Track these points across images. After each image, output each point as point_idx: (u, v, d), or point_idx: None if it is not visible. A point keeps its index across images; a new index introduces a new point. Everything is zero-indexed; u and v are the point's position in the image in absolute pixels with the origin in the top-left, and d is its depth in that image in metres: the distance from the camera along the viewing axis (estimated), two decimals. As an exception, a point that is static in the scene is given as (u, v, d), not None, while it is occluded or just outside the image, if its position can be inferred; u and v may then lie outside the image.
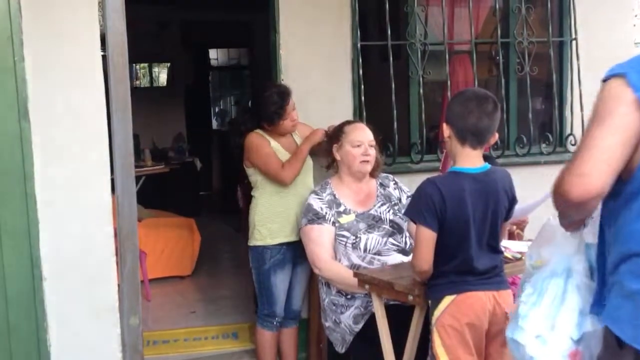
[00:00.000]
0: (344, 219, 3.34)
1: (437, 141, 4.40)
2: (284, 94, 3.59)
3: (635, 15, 4.89)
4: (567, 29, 4.50)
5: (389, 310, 2.91)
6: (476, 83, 4.21)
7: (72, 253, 3.18)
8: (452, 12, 4.47)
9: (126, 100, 1.79)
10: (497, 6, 4.30)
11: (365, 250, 3.28)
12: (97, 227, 3.22)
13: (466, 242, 2.53)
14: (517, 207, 2.72)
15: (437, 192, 2.51)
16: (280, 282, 3.66)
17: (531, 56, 4.34)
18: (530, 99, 4.33)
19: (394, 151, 4.07)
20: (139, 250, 2.08)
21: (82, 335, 3.23)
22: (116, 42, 1.78)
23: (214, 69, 11.19)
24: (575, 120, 4.45)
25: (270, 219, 3.62)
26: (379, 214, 3.38)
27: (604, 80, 1.73)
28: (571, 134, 4.47)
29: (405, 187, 3.53)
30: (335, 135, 3.47)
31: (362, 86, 4.03)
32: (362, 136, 3.40)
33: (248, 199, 3.85)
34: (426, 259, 2.54)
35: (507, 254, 2.95)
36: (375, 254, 3.28)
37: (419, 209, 2.55)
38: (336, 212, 3.36)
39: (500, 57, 4.31)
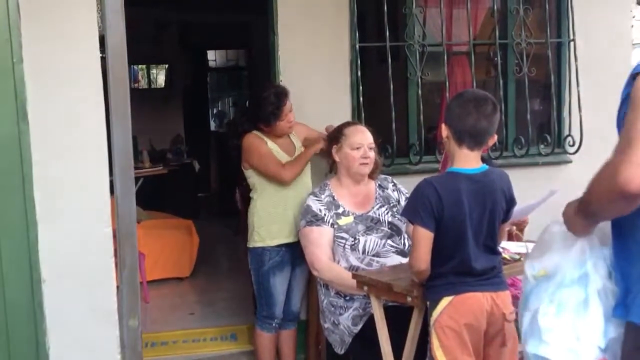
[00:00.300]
0: (343, 221, 3.34)
1: (435, 142, 4.40)
2: (281, 94, 3.59)
3: (633, 17, 4.89)
4: (565, 30, 4.50)
5: (388, 311, 2.91)
6: (474, 84, 4.22)
7: (71, 255, 3.18)
8: (450, 14, 4.47)
9: (125, 102, 1.78)
10: (495, 7, 4.30)
11: (363, 251, 3.28)
12: (96, 229, 3.21)
13: (463, 243, 2.53)
14: (517, 208, 2.72)
15: (434, 192, 2.51)
16: (279, 283, 3.66)
17: (529, 57, 4.34)
18: (529, 100, 4.34)
19: (393, 152, 4.07)
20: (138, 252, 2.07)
21: (81, 337, 3.22)
22: (115, 44, 1.77)
23: (212, 70, 11.19)
24: (574, 121, 4.45)
25: (269, 221, 3.62)
26: (377, 216, 3.38)
27: (637, 74, 1.69)
28: (569, 135, 4.47)
29: (404, 188, 3.53)
30: (335, 136, 3.47)
31: (361, 87, 4.03)
32: (362, 139, 3.40)
33: (246, 200, 3.85)
34: (423, 259, 2.54)
35: (506, 255, 2.95)
36: (374, 255, 3.28)
37: (416, 209, 2.55)
38: (335, 214, 3.36)
39: (499, 58, 4.32)
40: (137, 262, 1.87)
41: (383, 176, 3.60)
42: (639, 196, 1.61)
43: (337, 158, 3.44)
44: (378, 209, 3.42)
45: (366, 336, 3.11)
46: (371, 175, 3.49)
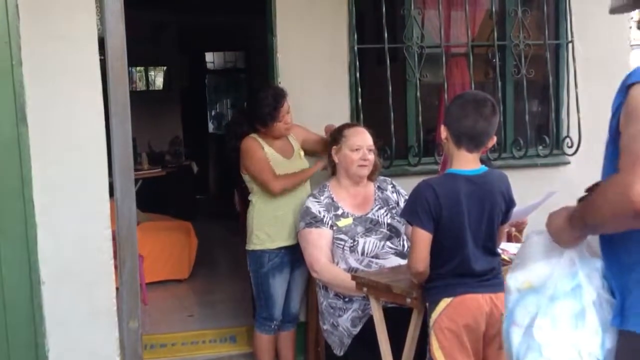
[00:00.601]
0: (342, 223, 3.34)
1: (434, 144, 4.40)
2: (279, 95, 3.58)
3: (632, 18, 4.91)
4: (564, 31, 4.51)
5: (387, 312, 2.91)
6: (473, 86, 4.22)
7: (71, 257, 3.18)
8: (448, 15, 4.47)
9: (125, 104, 1.79)
10: (494, 9, 4.31)
11: (363, 253, 3.29)
12: (96, 231, 3.21)
13: (462, 244, 2.53)
14: (516, 209, 2.72)
15: (432, 193, 2.51)
16: (278, 285, 3.65)
17: (527, 59, 4.34)
18: (527, 102, 4.34)
19: (391, 154, 4.07)
20: (137, 253, 2.07)
21: (81, 339, 3.22)
22: (115, 46, 1.78)
23: (210, 72, 11.19)
24: (572, 123, 4.45)
25: (268, 224, 3.62)
26: (376, 218, 3.39)
27: (636, 82, 1.66)
28: (568, 136, 4.48)
29: (403, 190, 3.53)
30: (335, 138, 3.48)
31: (359, 89, 4.03)
32: (361, 140, 3.40)
33: (245, 202, 3.85)
34: (422, 260, 2.54)
35: (505, 256, 2.95)
36: (373, 257, 3.28)
37: (415, 210, 2.55)
38: (334, 216, 3.36)
39: (497, 59, 4.32)
40: (137, 263, 1.87)
41: (382, 178, 3.60)
42: None
43: (336, 159, 3.45)
44: (377, 210, 3.42)
45: (365, 338, 3.11)
46: (370, 177, 3.49)
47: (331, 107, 4.01)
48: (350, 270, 3.24)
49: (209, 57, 10.90)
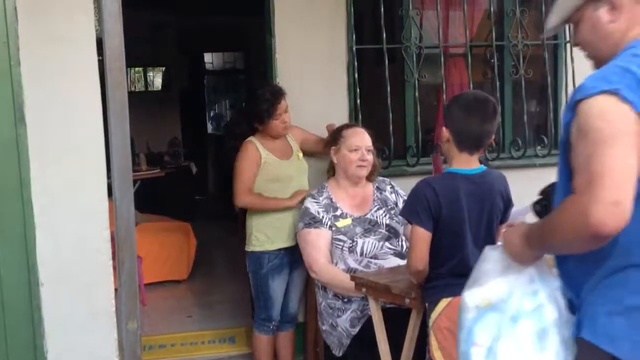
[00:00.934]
0: (341, 223, 3.34)
1: (432, 144, 4.40)
2: (277, 93, 3.59)
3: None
4: (562, 31, 4.51)
5: (386, 313, 2.91)
6: (471, 86, 4.22)
7: (69, 258, 3.18)
8: (447, 15, 4.47)
9: (123, 105, 1.79)
10: (492, 9, 4.31)
11: (361, 254, 3.28)
12: (94, 232, 3.21)
13: (462, 243, 2.53)
14: (514, 210, 2.72)
15: (432, 192, 2.51)
16: (277, 286, 3.65)
17: (526, 59, 4.35)
18: (525, 102, 4.34)
19: (390, 154, 4.08)
20: (136, 254, 2.07)
21: (80, 340, 3.22)
22: (113, 46, 1.77)
23: (209, 73, 11.18)
24: (570, 123, 4.45)
25: (267, 226, 3.62)
26: (375, 218, 3.39)
27: (584, 98, 1.62)
28: (566, 136, 4.47)
29: (401, 190, 3.54)
30: (334, 138, 3.48)
31: (358, 89, 4.03)
32: (360, 141, 3.40)
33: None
34: (422, 259, 2.53)
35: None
36: (371, 257, 3.28)
37: (414, 209, 2.54)
38: (333, 216, 3.36)
39: (495, 59, 4.32)
40: (135, 264, 1.87)
41: (381, 178, 3.60)
42: (613, 235, 1.54)
43: (335, 160, 3.45)
44: (376, 211, 3.42)
45: (364, 338, 3.11)
46: (369, 178, 3.49)
47: (330, 108, 4.01)
48: (349, 270, 3.24)
49: (207, 57, 10.90)
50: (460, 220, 2.52)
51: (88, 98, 3.15)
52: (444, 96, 4.16)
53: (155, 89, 10.36)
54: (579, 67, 4.39)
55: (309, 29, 3.98)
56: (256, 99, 3.59)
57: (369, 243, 3.30)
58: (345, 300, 3.26)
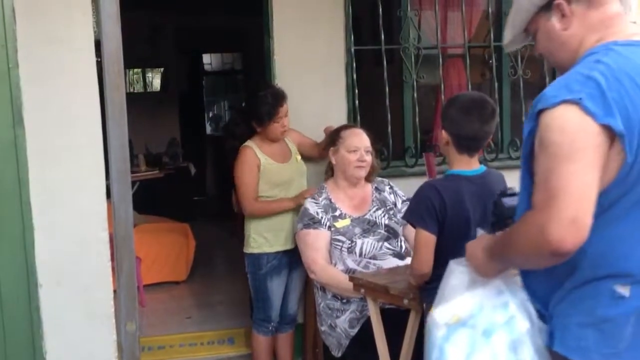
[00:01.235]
0: (340, 224, 3.34)
1: (431, 145, 4.40)
2: (279, 96, 3.58)
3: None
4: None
5: (385, 314, 2.91)
6: (469, 87, 4.23)
7: (68, 259, 3.18)
8: (445, 16, 4.48)
9: (121, 107, 1.79)
10: (490, 10, 4.31)
11: (360, 254, 3.29)
12: (93, 233, 3.21)
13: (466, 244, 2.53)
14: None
15: (437, 194, 2.51)
16: (276, 287, 3.65)
17: (524, 59, 4.35)
18: (524, 103, 4.34)
19: (389, 155, 4.08)
20: (135, 255, 2.07)
21: (78, 341, 3.22)
22: (111, 48, 1.78)
23: (207, 73, 11.18)
24: (569, 123, 4.45)
25: (266, 227, 3.62)
26: (374, 219, 3.39)
27: (546, 108, 1.59)
28: (564, 137, 4.47)
29: (400, 191, 3.54)
30: (332, 139, 3.48)
31: (356, 90, 4.03)
32: (359, 142, 3.40)
33: (243, 204, 3.84)
34: (426, 262, 2.53)
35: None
36: (370, 258, 3.29)
37: (419, 212, 2.54)
38: (332, 217, 3.36)
39: (494, 60, 4.32)
40: (134, 266, 1.87)
41: (380, 179, 3.60)
42: (572, 252, 1.53)
43: (333, 160, 3.45)
44: (375, 211, 3.42)
45: (363, 339, 3.11)
46: (368, 178, 3.49)
47: (328, 109, 4.01)
48: (348, 271, 3.24)
49: (206, 58, 10.89)
50: (466, 220, 2.52)
51: (86, 99, 3.15)
52: (443, 97, 4.16)
53: (153, 90, 10.35)
54: (577, 68, 4.40)
55: (307, 30, 3.98)
56: (257, 101, 3.57)
57: (367, 243, 3.30)
58: (344, 301, 3.26)
